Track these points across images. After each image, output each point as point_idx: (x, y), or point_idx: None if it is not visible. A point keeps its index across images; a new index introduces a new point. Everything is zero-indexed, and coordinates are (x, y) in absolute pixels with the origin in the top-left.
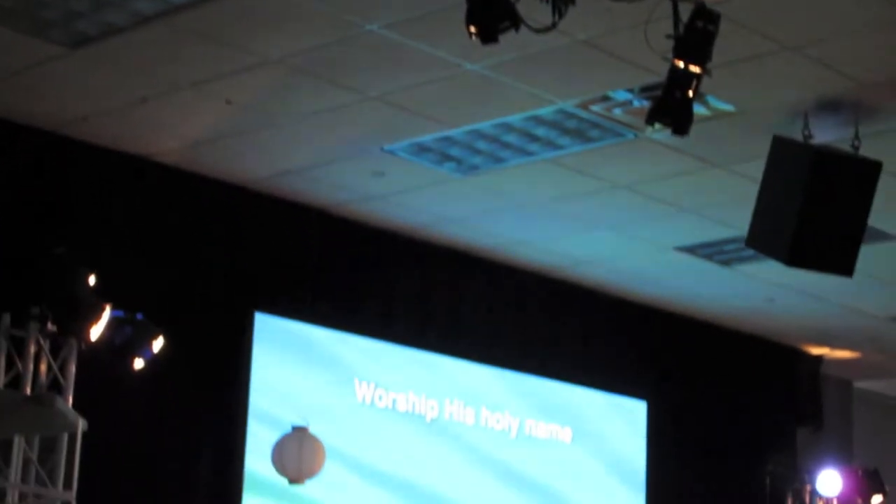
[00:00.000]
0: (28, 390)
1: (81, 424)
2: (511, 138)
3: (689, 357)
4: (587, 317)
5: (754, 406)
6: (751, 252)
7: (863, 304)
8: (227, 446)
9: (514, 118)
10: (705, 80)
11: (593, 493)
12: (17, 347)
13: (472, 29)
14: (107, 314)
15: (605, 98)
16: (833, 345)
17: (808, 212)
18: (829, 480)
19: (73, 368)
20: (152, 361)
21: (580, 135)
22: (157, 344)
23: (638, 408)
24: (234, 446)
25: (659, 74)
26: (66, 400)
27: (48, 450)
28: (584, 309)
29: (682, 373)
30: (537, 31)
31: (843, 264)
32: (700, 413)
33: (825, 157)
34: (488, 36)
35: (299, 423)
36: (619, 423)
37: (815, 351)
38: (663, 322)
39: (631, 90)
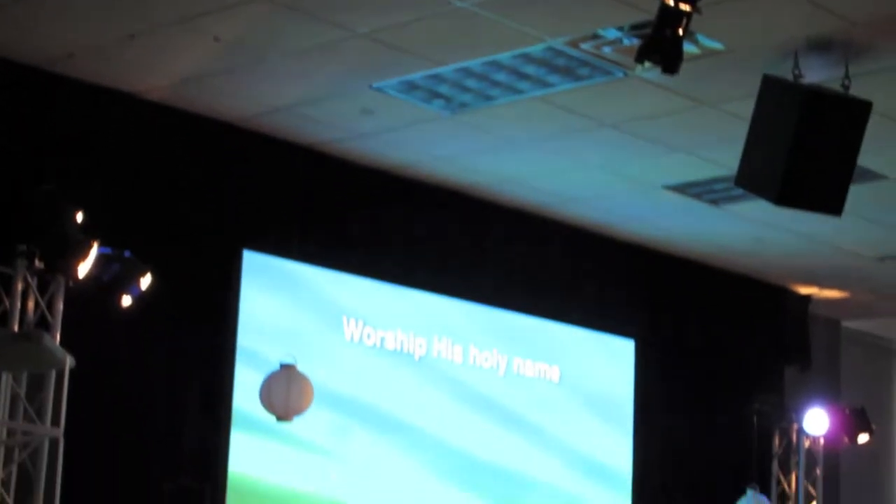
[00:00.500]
0: (15, 327)
1: (69, 361)
2: (500, 76)
3: (678, 296)
4: (575, 255)
5: (742, 345)
6: (740, 191)
7: (851, 243)
8: (215, 384)
9: (504, 56)
10: (695, 19)
11: (581, 431)
12: (5, 285)
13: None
14: (94, 251)
15: (595, 36)
16: (821, 284)
17: (797, 151)
18: (816, 419)
19: (60, 306)
20: (140, 299)
21: (570, 73)
22: (145, 281)
23: (626, 346)
24: (221, 384)
25: (649, 13)
26: (54, 337)
27: (36, 387)
28: (572, 247)
29: (670, 312)
30: None
31: (832, 204)
32: (688, 352)
33: (815, 97)
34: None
35: (287, 360)
36: (607, 361)
37: (804, 290)
38: (652, 261)
39: (621, 28)
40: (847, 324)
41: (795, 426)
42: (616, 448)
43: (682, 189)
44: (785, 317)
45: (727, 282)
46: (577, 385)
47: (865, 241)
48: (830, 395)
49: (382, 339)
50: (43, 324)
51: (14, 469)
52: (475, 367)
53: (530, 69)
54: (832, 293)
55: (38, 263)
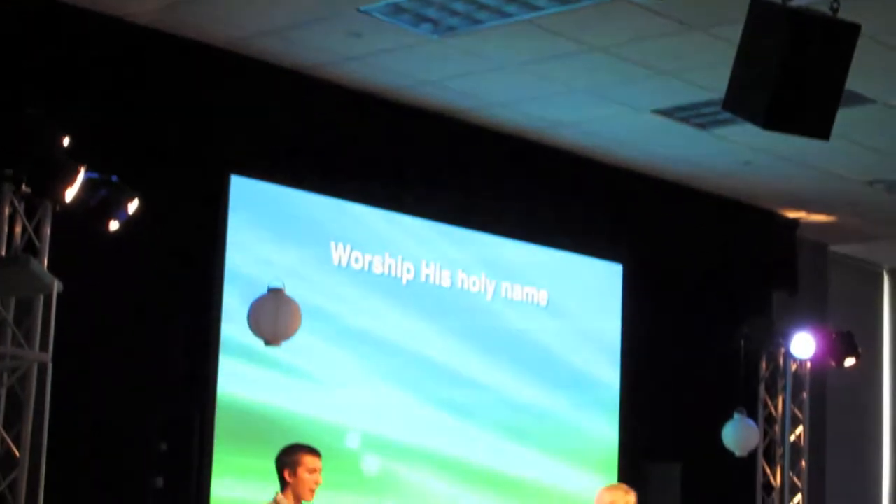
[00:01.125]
0: (3, 252)
1: (57, 286)
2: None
3: (666, 220)
4: (564, 180)
5: (730, 269)
6: (727, 115)
7: (839, 167)
8: (203, 308)
9: None
10: None
11: (569, 355)
12: None
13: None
14: (81, 176)
15: None
16: (809, 208)
17: (785, 74)
18: (803, 343)
19: (48, 230)
20: (127, 223)
21: None
22: (133, 206)
23: (614, 271)
24: (209, 308)
25: None
26: (42, 261)
27: (24, 311)
28: (560, 172)
29: (658, 236)
30: None
31: (819, 127)
32: (676, 276)
33: (803, 20)
34: None
35: (275, 284)
36: (596, 285)
37: (791, 214)
38: (640, 185)
39: None
40: (834, 248)
41: (782, 350)
42: (604, 371)
43: (670, 113)
44: (772, 241)
45: (715, 206)
46: (565, 309)
47: (853, 166)
48: (817, 318)
49: (370, 264)
50: (30, 248)
51: (3, 393)
52: (463, 290)
53: None
54: (820, 217)
55: (25, 188)
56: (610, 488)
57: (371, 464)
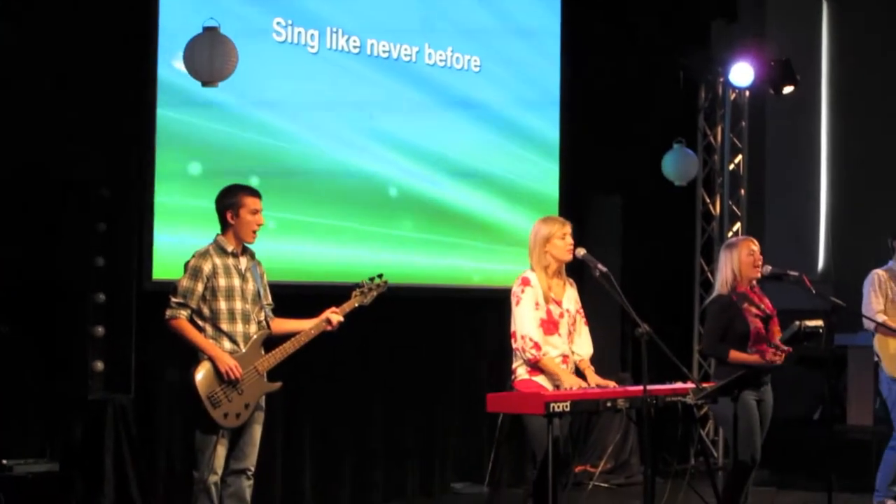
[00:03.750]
0: None
1: None
2: None
3: None
4: None
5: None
6: None
7: None
8: (141, 47)
9: None
10: None
11: (508, 102)
12: None
13: None
14: None
15: None
16: None
17: None
18: (742, 71)
19: None
20: None
21: None
22: None
23: (552, 3)
24: (147, 48)
25: None
26: None
27: None
28: None
29: None
30: None
31: None
32: (613, 6)
33: None
34: None
35: (210, 23)
36: (535, 12)
37: None
38: None
39: None
40: None
41: (721, 79)
42: (546, 111)
43: None
44: None
45: None
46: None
47: None
48: (756, 47)
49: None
50: None
51: None
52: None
53: None
54: None
55: None
56: (545, 220)
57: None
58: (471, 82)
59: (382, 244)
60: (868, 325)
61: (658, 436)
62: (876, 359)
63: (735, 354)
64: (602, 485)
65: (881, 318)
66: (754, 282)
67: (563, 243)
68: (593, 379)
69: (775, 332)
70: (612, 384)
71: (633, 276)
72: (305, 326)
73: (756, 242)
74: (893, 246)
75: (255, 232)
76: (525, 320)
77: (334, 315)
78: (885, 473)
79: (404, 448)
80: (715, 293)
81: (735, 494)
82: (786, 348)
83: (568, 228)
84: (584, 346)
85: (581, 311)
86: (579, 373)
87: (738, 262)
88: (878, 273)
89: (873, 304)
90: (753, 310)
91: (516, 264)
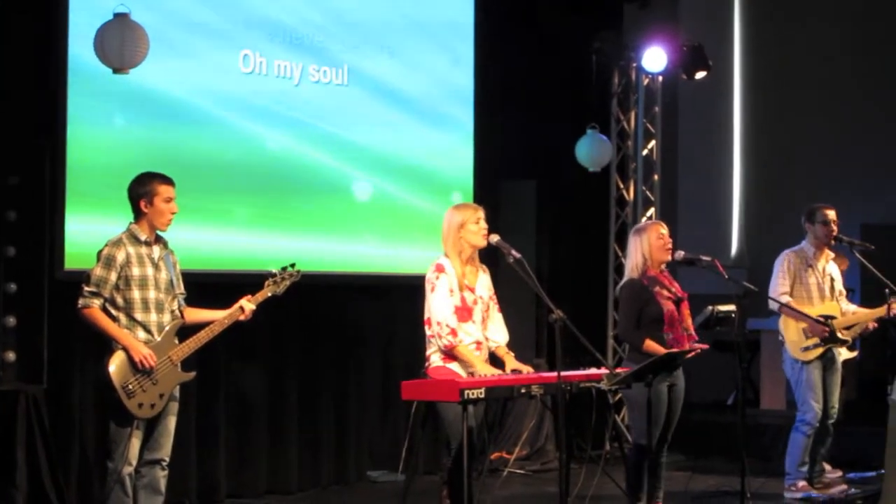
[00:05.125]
0: None
1: None
2: None
3: None
4: None
5: None
6: None
7: None
8: (49, 33)
9: None
10: None
11: (423, 87)
12: None
13: None
14: None
15: None
16: None
17: None
18: (655, 56)
19: None
20: None
21: None
22: None
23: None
24: (56, 34)
25: None
26: None
27: None
28: None
29: None
30: None
31: None
32: None
33: None
34: None
35: (120, 9)
36: (446, 7)
37: None
38: None
39: None
40: None
41: (634, 64)
42: (459, 97)
43: None
44: None
45: None
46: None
47: None
48: (669, 32)
49: None
50: None
51: None
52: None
53: None
54: None
55: None
56: (458, 206)
57: None
58: (384, 69)
59: (295, 232)
60: (773, 305)
61: (573, 422)
62: (781, 339)
63: (650, 345)
64: (517, 471)
65: (785, 299)
66: (664, 265)
67: (477, 227)
68: (511, 364)
69: (686, 315)
70: (527, 369)
71: (548, 262)
72: (218, 316)
73: (665, 226)
74: (806, 227)
75: (168, 220)
76: (440, 307)
77: (247, 304)
78: (794, 455)
79: (319, 437)
80: (626, 278)
81: (638, 476)
82: (702, 345)
83: (481, 213)
84: (498, 333)
85: (494, 297)
86: (495, 359)
87: (647, 245)
88: (789, 254)
89: (779, 286)
90: (665, 293)
91: (431, 251)
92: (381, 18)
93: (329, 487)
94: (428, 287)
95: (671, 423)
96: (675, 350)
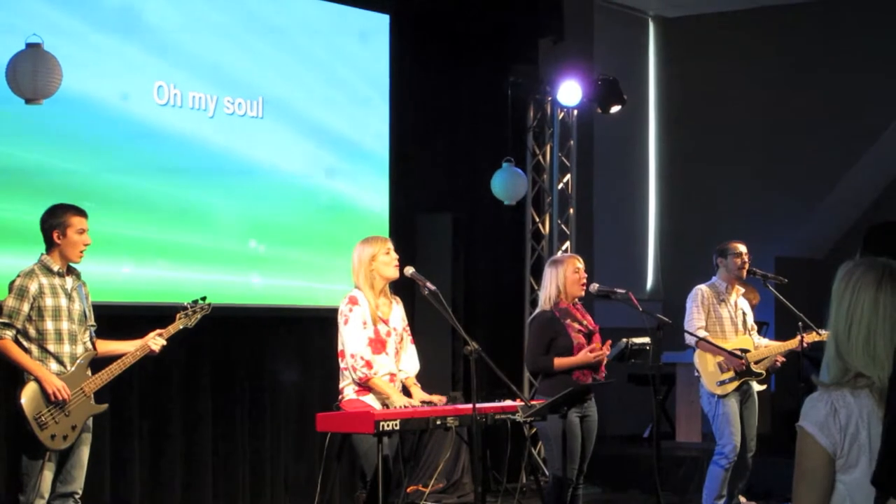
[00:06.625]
0: None
1: None
2: None
3: None
4: None
5: (495, 17)
6: None
7: None
8: None
9: None
10: None
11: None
12: None
13: None
14: None
15: None
16: None
17: None
18: (570, 90)
19: None
20: None
21: None
22: None
23: (380, 21)
24: None
25: None
26: None
27: None
28: None
29: None
30: None
31: None
32: (442, 26)
33: None
34: None
35: (33, 40)
36: (362, 38)
37: None
38: None
39: None
40: None
41: (549, 98)
42: (372, 128)
43: None
44: None
45: None
46: (332, 63)
47: None
48: (584, 66)
49: None
50: None
51: None
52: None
53: None
54: None
55: None
56: (366, 240)
57: None
58: (300, 99)
59: (208, 263)
60: (689, 340)
61: (489, 454)
62: (696, 374)
63: (560, 361)
64: None
65: (702, 333)
66: (577, 298)
67: (388, 258)
68: (419, 395)
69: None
70: (438, 399)
71: (465, 295)
72: (130, 348)
73: (581, 260)
74: (717, 263)
75: (81, 251)
76: (354, 339)
77: (158, 339)
78: (711, 489)
79: (235, 469)
80: (538, 309)
81: None
82: (604, 350)
83: (390, 245)
84: (410, 364)
85: (408, 328)
86: (404, 390)
87: (563, 278)
88: (702, 289)
89: (695, 320)
90: (576, 325)
91: (344, 283)
92: (297, 47)
93: None
94: (341, 319)
95: (586, 455)
96: (585, 359)
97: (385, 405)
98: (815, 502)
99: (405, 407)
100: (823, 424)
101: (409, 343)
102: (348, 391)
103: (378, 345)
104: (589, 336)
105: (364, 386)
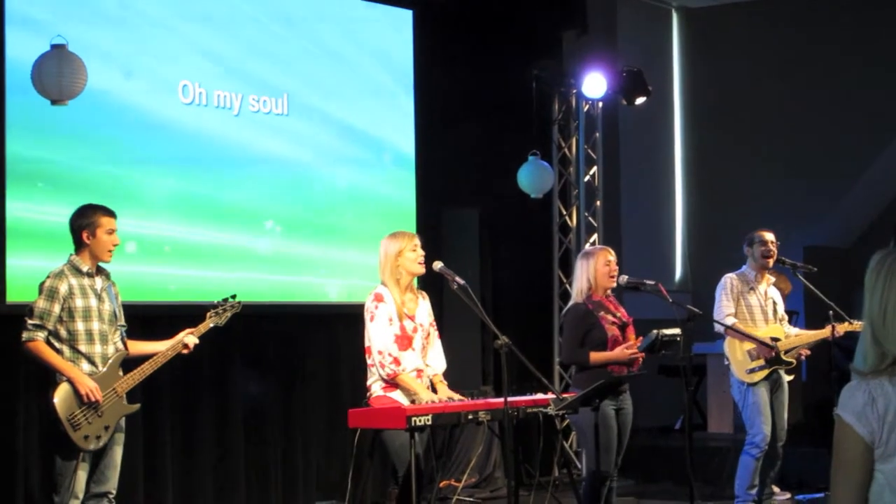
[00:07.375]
0: None
1: None
2: None
3: None
4: None
5: (519, 11)
6: None
7: None
8: None
9: None
10: None
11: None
12: None
13: None
14: None
15: None
16: None
17: None
18: (594, 83)
19: None
20: None
21: None
22: None
23: (404, 17)
24: None
25: None
26: None
27: None
28: None
29: None
30: None
31: None
32: (466, 20)
33: None
34: None
35: (58, 41)
36: (386, 32)
37: None
38: None
39: None
40: None
41: (574, 91)
42: (398, 125)
43: None
44: None
45: None
46: (361, 55)
47: None
48: (608, 58)
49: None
50: None
51: None
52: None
53: None
54: None
55: None
56: (393, 235)
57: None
58: (326, 96)
59: (237, 263)
60: (718, 328)
61: (521, 448)
62: (726, 362)
63: (595, 355)
64: (467, 499)
65: (730, 321)
66: (609, 290)
67: (414, 255)
68: (445, 392)
69: (631, 340)
70: (458, 397)
71: (492, 289)
72: (161, 348)
73: (612, 252)
74: (746, 252)
75: (110, 251)
76: (381, 336)
77: (190, 338)
78: (743, 478)
79: (267, 467)
80: (571, 302)
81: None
82: (639, 353)
83: (417, 240)
84: (437, 360)
85: (434, 324)
86: (432, 388)
87: (594, 271)
88: (731, 277)
89: (724, 308)
90: (610, 317)
91: (373, 279)
92: (321, 50)
93: None
94: (367, 316)
95: (621, 448)
96: (621, 356)
97: (412, 401)
98: (853, 492)
99: (435, 402)
100: (861, 413)
101: (435, 338)
102: (375, 388)
103: (405, 341)
104: (623, 328)
105: (391, 382)
